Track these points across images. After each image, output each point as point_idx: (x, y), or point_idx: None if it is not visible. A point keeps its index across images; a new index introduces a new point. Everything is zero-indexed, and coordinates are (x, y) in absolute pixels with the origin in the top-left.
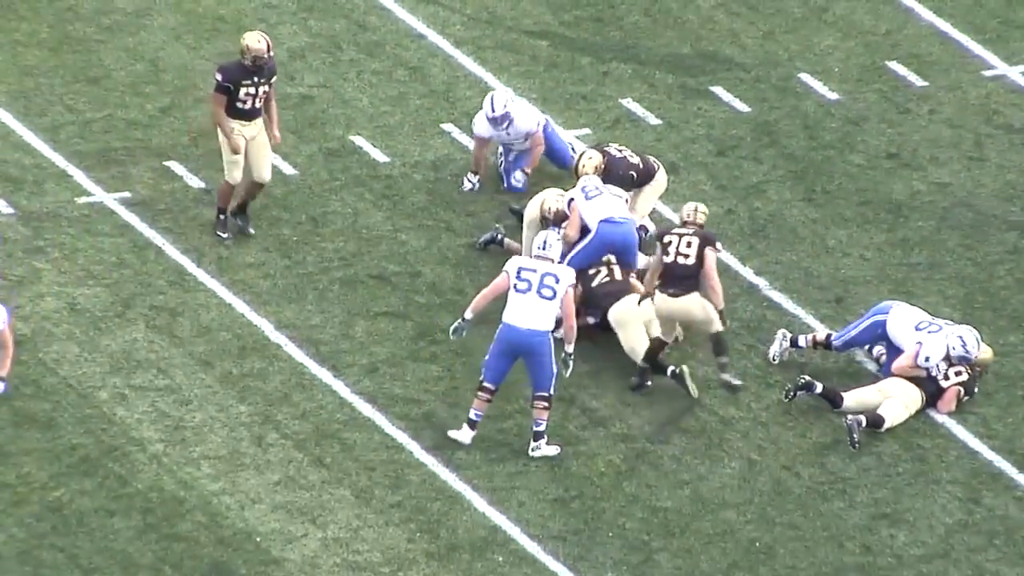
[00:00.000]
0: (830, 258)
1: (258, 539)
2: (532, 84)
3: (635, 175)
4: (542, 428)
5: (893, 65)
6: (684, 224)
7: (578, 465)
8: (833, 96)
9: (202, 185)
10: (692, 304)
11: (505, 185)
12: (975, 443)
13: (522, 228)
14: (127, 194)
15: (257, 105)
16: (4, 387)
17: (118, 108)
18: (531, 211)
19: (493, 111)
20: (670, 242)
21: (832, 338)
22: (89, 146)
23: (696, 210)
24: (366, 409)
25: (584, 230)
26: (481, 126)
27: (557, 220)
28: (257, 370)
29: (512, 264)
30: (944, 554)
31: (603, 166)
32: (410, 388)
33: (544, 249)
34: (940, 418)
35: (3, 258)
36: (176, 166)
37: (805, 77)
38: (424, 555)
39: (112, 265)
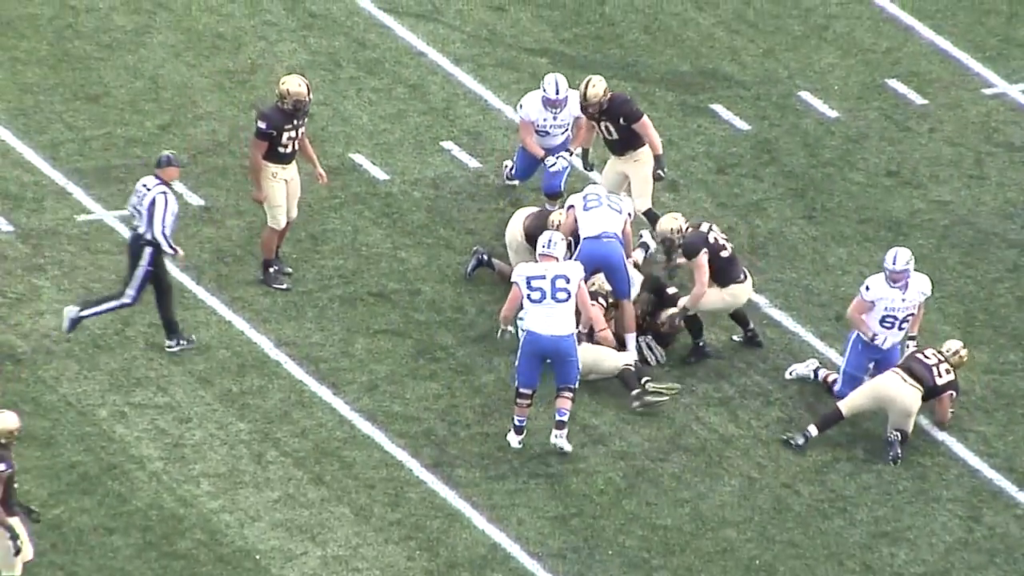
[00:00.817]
0: (830, 276)
1: (258, 557)
2: None
3: (623, 120)
4: (565, 418)
5: (893, 83)
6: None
7: (578, 483)
8: (833, 114)
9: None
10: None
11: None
12: (975, 461)
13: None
14: (127, 212)
15: (296, 148)
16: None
17: (118, 126)
18: (512, 233)
19: (557, 93)
20: (715, 239)
21: (835, 391)
22: (89, 163)
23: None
24: (366, 427)
25: (576, 237)
26: (532, 109)
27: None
28: (257, 388)
29: (520, 275)
30: (944, 572)
31: (608, 96)
32: (410, 406)
33: (549, 248)
34: (940, 436)
35: (2, 275)
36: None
37: (805, 95)
38: (424, 573)
39: (112, 283)
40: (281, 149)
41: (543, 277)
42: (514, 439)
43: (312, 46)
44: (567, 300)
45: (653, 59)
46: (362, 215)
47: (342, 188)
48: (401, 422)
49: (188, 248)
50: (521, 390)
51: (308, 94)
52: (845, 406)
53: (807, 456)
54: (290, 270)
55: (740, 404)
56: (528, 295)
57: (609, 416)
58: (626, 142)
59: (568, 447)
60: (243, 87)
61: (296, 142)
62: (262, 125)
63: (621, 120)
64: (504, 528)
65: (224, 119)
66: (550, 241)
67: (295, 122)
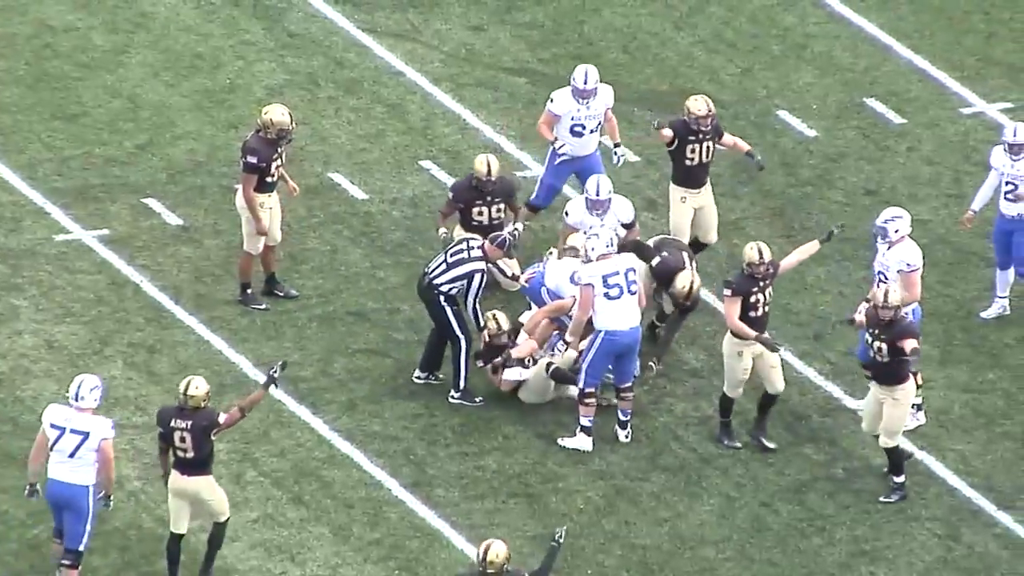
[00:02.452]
0: (808, 295)
1: None
2: (511, 121)
3: (719, 137)
4: (629, 418)
5: (871, 102)
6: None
7: (557, 502)
8: (811, 133)
9: (180, 222)
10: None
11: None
12: (954, 480)
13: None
14: (105, 231)
15: (279, 175)
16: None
17: (96, 145)
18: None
19: (586, 83)
20: (757, 300)
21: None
22: (67, 183)
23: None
24: (345, 446)
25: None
26: (561, 102)
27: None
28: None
29: (592, 275)
30: None
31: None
32: (389, 425)
33: (611, 247)
34: (919, 455)
35: None
36: (154, 203)
37: (783, 114)
38: None
39: (90, 302)
40: (268, 179)
41: (617, 272)
42: (588, 442)
43: (290, 66)
44: (636, 292)
45: (632, 78)
46: (341, 234)
47: (320, 208)
48: (380, 442)
49: (166, 267)
50: (590, 390)
51: (292, 123)
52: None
53: (785, 475)
54: (295, 292)
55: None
56: (606, 293)
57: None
58: (708, 167)
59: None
60: (222, 107)
61: (281, 169)
62: (252, 160)
63: (719, 138)
64: None
65: (202, 139)
66: (611, 240)
67: (279, 150)
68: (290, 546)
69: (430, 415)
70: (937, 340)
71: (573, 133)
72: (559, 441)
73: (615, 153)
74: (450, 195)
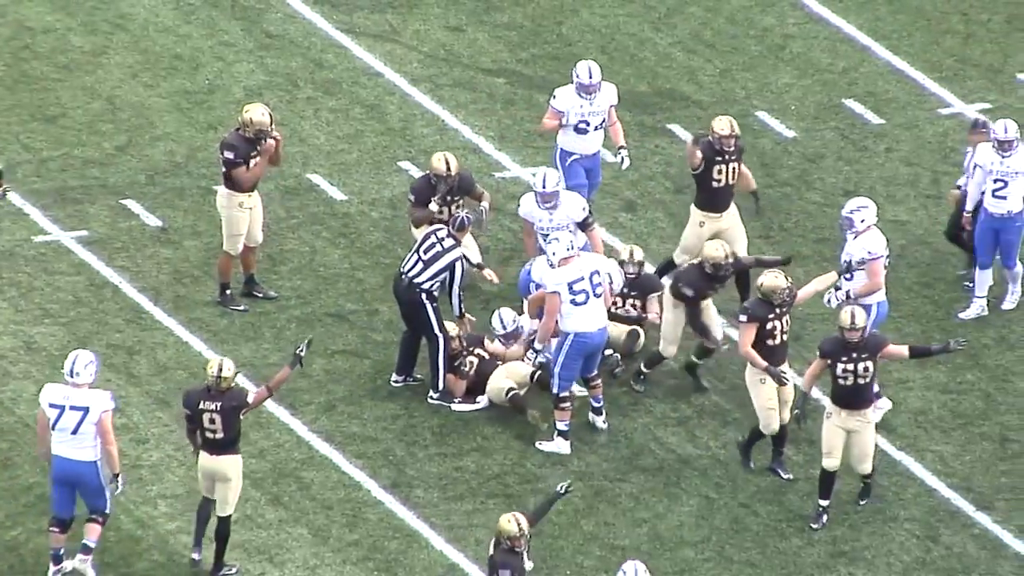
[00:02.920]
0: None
1: None
2: (489, 122)
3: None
4: (601, 403)
5: (850, 103)
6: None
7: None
8: (790, 134)
9: (159, 223)
10: None
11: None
12: (932, 481)
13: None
14: (84, 232)
15: (259, 173)
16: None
17: (75, 147)
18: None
19: (591, 78)
20: (774, 328)
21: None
22: (46, 184)
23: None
24: (323, 447)
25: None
26: (564, 100)
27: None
28: None
29: (559, 283)
30: None
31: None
32: (367, 426)
33: (572, 250)
34: (898, 456)
35: None
36: (133, 204)
37: (762, 115)
38: None
39: (69, 304)
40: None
41: (582, 278)
42: (566, 446)
43: (269, 66)
44: (602, 294)
45: (610, 79)
46: (319, 235)
47: (299, 208)
48: (359, 443)
49: (145, 269)
50: (564, 395)
51: (271, 124)
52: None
53: (764, 476)
54: (274, 293)
55: (698, 424)
56: (572, 300)
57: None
58: (732, 189)
59: (604, 425)
60: (201, 108)
61: (259, 167)
62: (230, 155)
63: (741, 159)
64: (462, 548)
65: (182, 140)
66: (572, 244)
67: (258, 148)
68: (269, 547)
69: (409, 416)
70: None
71: (577, 131)
72: (537, 445)
73: (618, 155)
74: (411, 198)
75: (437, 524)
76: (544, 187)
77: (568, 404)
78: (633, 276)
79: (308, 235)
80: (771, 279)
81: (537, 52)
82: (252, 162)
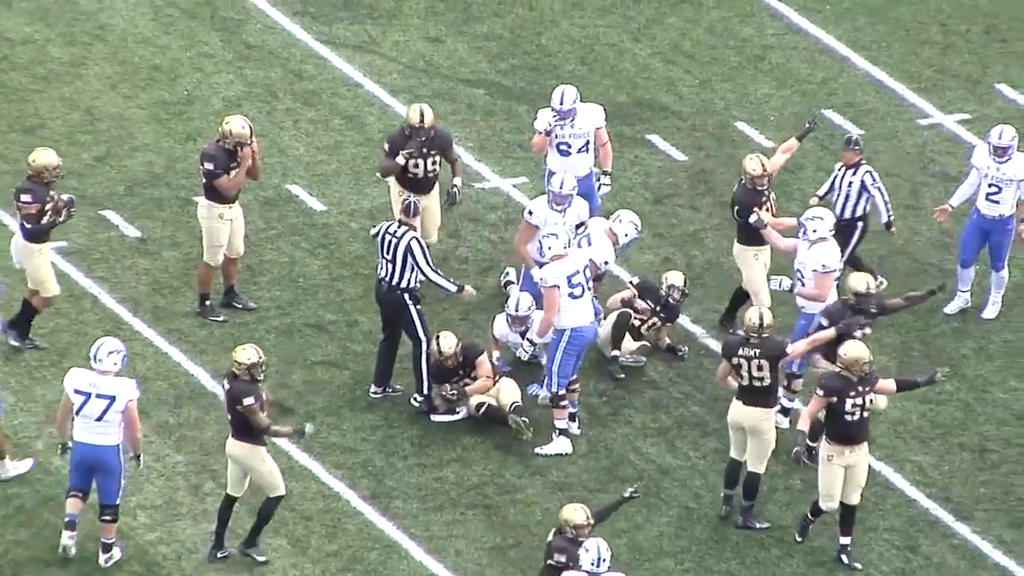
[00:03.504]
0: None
1: None
2: (469, 132)
3: None
4: (577, 408)
5: (829, 114)
6: (748, 340)
7: (515, 513)
8: (769, 144)
9: (138, 234)
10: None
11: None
12: (912, 491)
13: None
14: (63, 243)
15: (239, 182)
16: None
17: None
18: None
19: (561, 104)
20: (739, 364)
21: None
22: None
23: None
24: (303, 458)
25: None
26: (542, 119)
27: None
28: (194, 419)
29: (558, 276)
30: None
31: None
32: (347, 437)
33: (569, 247)
34: (877, 466)
35: None
36: (112, 215)
37: (741, 125)
38: None
39: (48, 314)
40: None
41: (578, 272)
42: (567, 444)
43: (248, 77)
44: (592, 288)
45: (590, 90)
46: (299, 246)
47: (279, 219)
48: (338, 453)
49: (124, 280)
50: (562, 393)
51: (251, 136)
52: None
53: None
54: (254, 304)
55: (678, 435)
56: (571, 293)
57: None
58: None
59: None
60: (179, 119)
61: (237, 177)
62: (209, 166)
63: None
64: (442, 559)
65: (160, 151)
66: (569, 241)
67: (238, 159)
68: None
69: (388, 427)
70: (895, 351)
71: (560, 152)
72: (536, 451)
73: (599, 180)
74: (386, 147)
75: (417, 535)
76: (561, 189)
77: (566, 403)
78: (675, 302)
79: (287, 246)
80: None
81: (517, 63)
82: (232, 173)
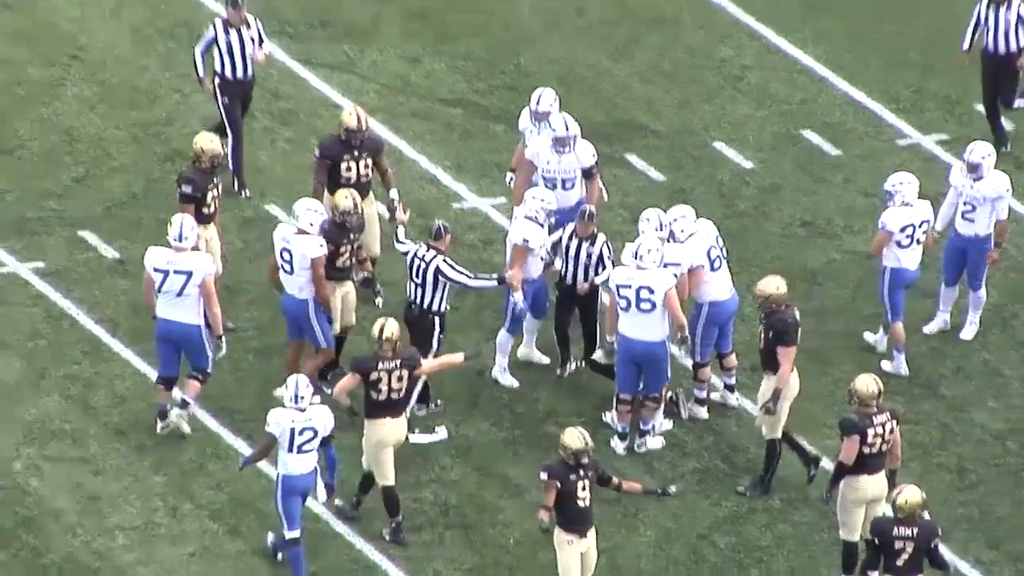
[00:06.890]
0: (745, 327)
1: None
2: (447, 152)
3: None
4: (649, 427)
5: (807, 134)
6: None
7: (494, 534)
8: (748, 164)
9: (116, 255)
10: None
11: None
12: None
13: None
14: (41, 264)
15: (218, 206)
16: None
17: (32, 178)
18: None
19: (538, 104)
20: (875, 438)
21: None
22: (2, 216)
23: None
24: None
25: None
26: (525, 120)
27: None
28: (172, 440)
29: (612, 280)
30: None
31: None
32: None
33: (638, 259)
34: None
35: None
36: (90, 236)
37: (720, 145)
38: None
39: (26, 335)
40: (205, 210)
41: (629, 286)
42: (619, 445)
43: None
44: (651, 311)
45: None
46: None
47: (257, 239)
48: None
49: (103, 300)
50: (621, 396)
51: (223, 150)
52: None
53: (723, 506)
54: (231, 325)
55: (656, 455)
56: (617, 302)
57: (525, 467)
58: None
59: (658, 445)
60: (158, 139)
61: (217, 200)
62: (187, 189)
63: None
64: None
65: (139, 171)
66: (637, 252)
67: (215, 179)
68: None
69: None
70: (875, 371)
71: (547, 182)
72: (646, 443)
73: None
74: (316, 154)
75: (395, 555)
76: (567, 130)
77: (622, 407)
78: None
79: (266, 266)
80: (863, 383)
81: (494, 83)
82: (210, 195)
